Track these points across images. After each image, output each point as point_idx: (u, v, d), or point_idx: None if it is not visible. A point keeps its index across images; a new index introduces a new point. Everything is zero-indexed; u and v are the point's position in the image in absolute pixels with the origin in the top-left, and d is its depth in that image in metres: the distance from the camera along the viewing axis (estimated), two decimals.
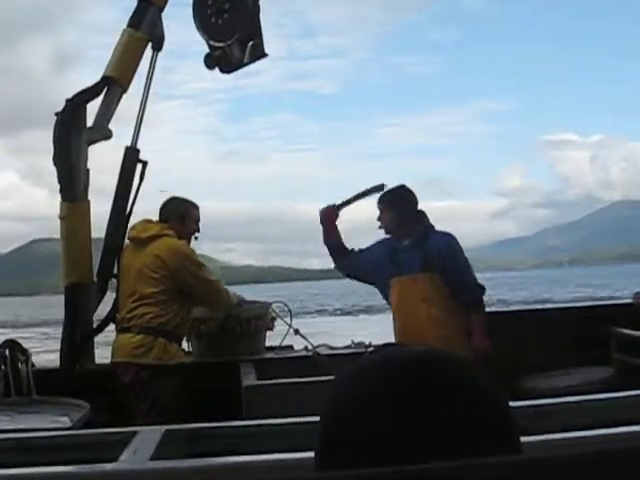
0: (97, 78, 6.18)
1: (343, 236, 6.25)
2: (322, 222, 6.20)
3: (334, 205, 6.20)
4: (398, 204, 5.90)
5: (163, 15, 6.39)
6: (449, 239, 5.93)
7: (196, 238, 5.98)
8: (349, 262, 6.21)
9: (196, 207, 6.03)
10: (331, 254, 6.26)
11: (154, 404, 5.40)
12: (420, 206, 6.01)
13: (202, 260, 6.05)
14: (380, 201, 5.94)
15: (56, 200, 6.11)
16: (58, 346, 6.14)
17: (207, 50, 6.44)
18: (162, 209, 5.96)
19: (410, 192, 5.99)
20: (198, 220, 6.01)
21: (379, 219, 5.96)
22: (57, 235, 6.14)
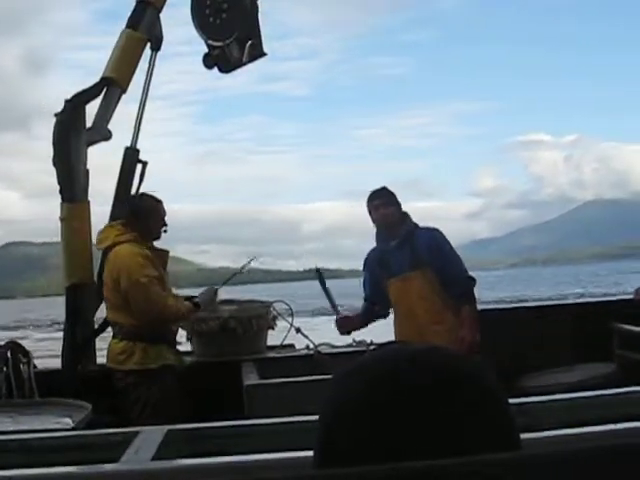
0: (68, 80, 6.21)
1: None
2: (345, 332, 6.12)
3: (345, 316, 6.11)
4: (395, 199, 5.89)
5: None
6: (435, 233, 5.92)
7: (165, 231, 5.81)
8: (378, 305, 6.10)
9: (158, 202, 5.78)
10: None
11: (143, 408, 5.33)
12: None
13: (178, 261, 5.93)
14: (378, 197, 5.85)
15: (29, 203, 6.11)
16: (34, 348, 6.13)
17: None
18: (127, 207, 5.89)
19: (392, 193, 5.98)
20: (162, 215, 5.78)
21: (378, 216, 5.84)
22: (31, 238, 6.15)
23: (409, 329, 5.72)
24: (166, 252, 5.83)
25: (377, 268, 5.94)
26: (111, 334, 5.82)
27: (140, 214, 5.65)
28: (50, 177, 6.06)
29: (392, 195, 5.90)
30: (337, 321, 6.06)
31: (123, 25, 6.33)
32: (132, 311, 5.51)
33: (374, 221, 5.90)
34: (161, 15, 6.43)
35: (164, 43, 6.41)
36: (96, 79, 6.22)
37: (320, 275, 6.21)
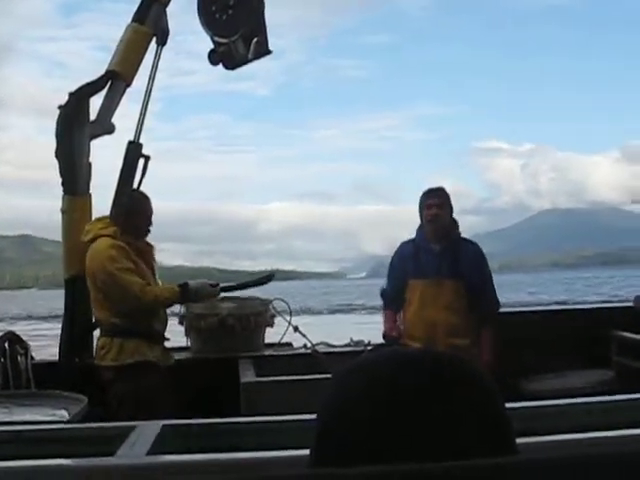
0: (28, 71, 6.15)
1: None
2: (390, 340, 5.88)
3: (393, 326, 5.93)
4: (450, 202, 5.78)
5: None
6: (480, 249, 5.88)
7: (149, 231, 5.75)
8: (397, 303, 5.94)
9: (146, 198, 5.75)
10: None
11: (120, 404, 5.23)
12: (354, 209, 5.91)
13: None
14: (435, 196, 5.70)
15: None
16: None
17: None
18: (113, 202, 5.89)
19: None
20: (147, 213, 5.71)
21: (430, 215, 5.66)
22: None
23: (423, 335, 5.62)
24: (150, 246, 5.80)
25: (410, 259, 5.78)
26: None
27: (126, 209, 5.63)
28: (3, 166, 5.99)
29: (448, 198, 5.77)
30: (389, 337, 5.86)
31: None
32: (110, 306, 5.50)
33: (424, 218, 5.73)
34: (115, 9, 6.45)
35: None
36: (58, 71, 6.24)
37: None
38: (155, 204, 5.72)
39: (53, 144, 6.07)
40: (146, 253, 5.73)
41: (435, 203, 5.66)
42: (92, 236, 5.58)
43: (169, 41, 6.42)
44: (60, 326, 6.29)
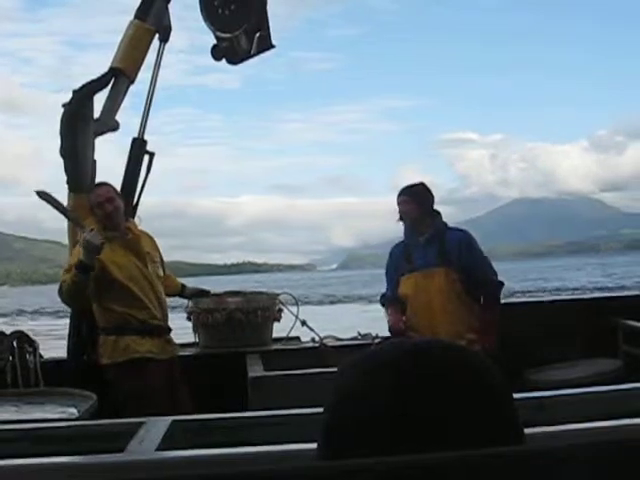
0: None
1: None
2: (397, 333, 5.89)
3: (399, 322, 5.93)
4: (418, 197, 5.88)
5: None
6: (466, 234, 5.96)
7: (122, 218, 5.71)
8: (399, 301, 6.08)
9: (96, 187, 5.76)
10: None
11: (124, 401, 5.28)
12: (324, 202, 5.99)
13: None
14: (402, 193, 5.89)
15: None
16: None
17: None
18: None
19: (428, 190, 5.96)
20: (98, 202, 5.66)
21: (400, 210, 5.89)
22: None
23: (422, 323, 5.71)
24: (138, 236, 5.79)
25: (402, 262, 5.94)
26: None
27: (89, 209, 5.72)
28: None
29: (417, 193, 5.91)
30: (396, 330, 5.90)
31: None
32: (99, 304, 5.56)
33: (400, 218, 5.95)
34: (83, 5, 6.44)
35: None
36: (25, 67, 6.21)
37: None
38: None
39: (22, 140, 6.11)
40: (134, 243, 5.70)
41: (401, 201, 5.88)
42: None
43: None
44: (28, 322, 6.29)
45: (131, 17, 6.27)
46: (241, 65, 6.52)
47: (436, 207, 5.96)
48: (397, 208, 5.92)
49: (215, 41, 6.48)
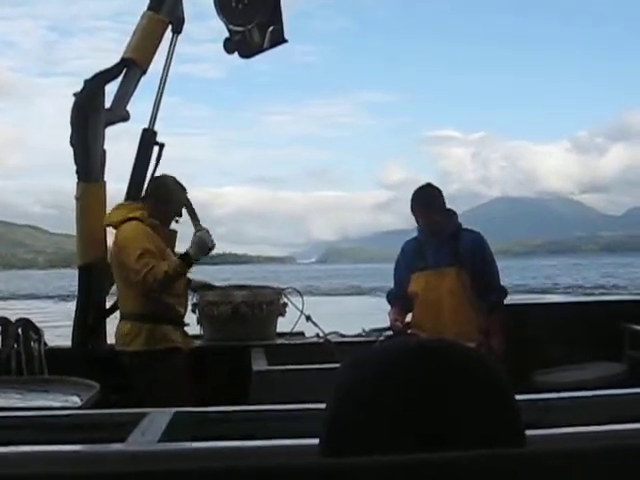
0: None
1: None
2: (398, 331, 5.89)
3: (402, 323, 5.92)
4: (437, 202, 5.85)
5: None
6: (480, 236, 5.93)
7: (177, 221, 5.86)
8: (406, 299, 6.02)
9: (180, 189, 5.85)
10: None
11: (150, 390, 5.29)
12: (305, 195, 5.97)
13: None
14: (417, 204, 5.81)
15: None
16: None
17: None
18: (147, 187, 5.97)
19: (437, 190, 5.92)
20: (179, 202, 5.81)
21: (421, 218, 5.81)
22: None
23: (430, 322, 5.69)
24: (174, 232, 5.89)
25: (414, 259, 5.92)
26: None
27: (157, 196, 5.73)
28: None
29: (433, 196, 5.86)
30: (397, 330, 5.89)
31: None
32: (136, 289, 5.53)
33: (417, 221, 5.87)
34: None
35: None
36: (8, 50, 6.19)
37: None
38: (109, 187, 5.80)
39: (4, 125, 6.11)
40: (170, 240, 5.82)
41: (418, 214, 5.81)
42: (119, 219, 5.66)
43: (116, 20, 6.40)
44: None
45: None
46: (225, 54, 6.47)
47: None
48: (417, 218, 5.84)
49: (228, 34, 6.48)
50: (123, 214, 5.67)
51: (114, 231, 5.70)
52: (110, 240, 5.88)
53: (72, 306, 6.27)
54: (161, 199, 5.71)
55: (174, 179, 5.85)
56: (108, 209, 6.03)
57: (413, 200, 5.83)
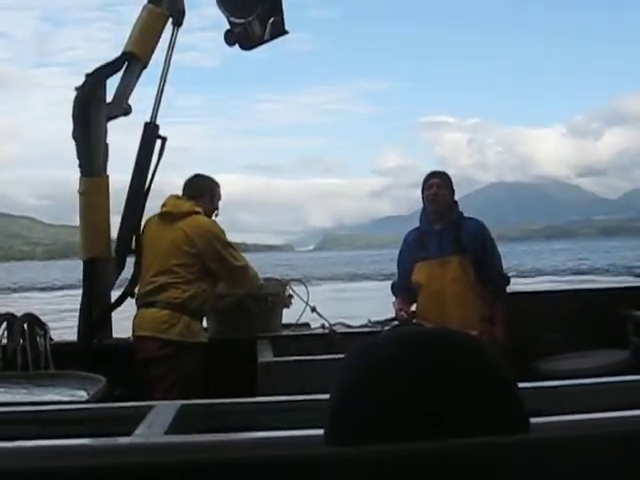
0: None
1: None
2: (402, 321, 5.88)
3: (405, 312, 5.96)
4: (451, 184, 5.94)
5: None
6: (482, 224, 5.96)
7: (216, 216, 6.02)
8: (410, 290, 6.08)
9: (219, 185, 6.11)
10: None
11: (177, 379, 5.43)
12: (301, 183, 6.03)
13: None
14: (438, 176, 5.91)
15: None
16: None
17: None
18: (189, 185, 6.02)
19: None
20: (220, 198, 6.08)
21: (430, 194, 5.85)
22: None
23: (434, 311, 5.71)
24: None
25: (417, 249, 5.94)
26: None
27: (212, 194, 5.99)
28: None
29: (450, 180, 5.94)
30: (401, 320, 5.90)
31: None
32: (192, 281, 5.66)
33: (425, 199, 5.91)
34: None
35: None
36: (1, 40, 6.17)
37: None
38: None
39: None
40: None
41: (436, 182, 5.83)
42: (187, 210, 5.80)
43: (107, 10, 6.40)
44: None
45: None
46: (219, 43, 6.48)
47: (414, 189, 5.99)
48: (427, 191, 5.89)
49: (228, 26, 6.47)
50: (188, 206, 5.83)
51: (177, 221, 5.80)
52: (161, 227, 5.93)
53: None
54: (216, 196, 5.99)
55: (208, 176, 6.13)
56: (111, 203, 6.07)
57: (436, 174, 5.90)
